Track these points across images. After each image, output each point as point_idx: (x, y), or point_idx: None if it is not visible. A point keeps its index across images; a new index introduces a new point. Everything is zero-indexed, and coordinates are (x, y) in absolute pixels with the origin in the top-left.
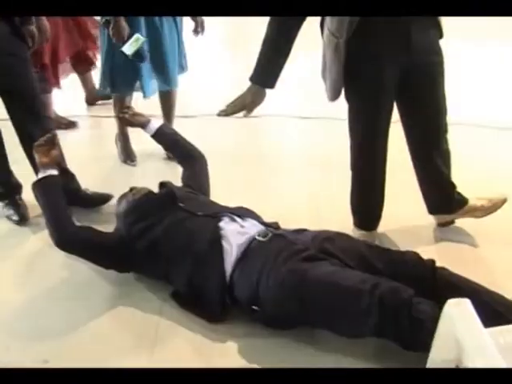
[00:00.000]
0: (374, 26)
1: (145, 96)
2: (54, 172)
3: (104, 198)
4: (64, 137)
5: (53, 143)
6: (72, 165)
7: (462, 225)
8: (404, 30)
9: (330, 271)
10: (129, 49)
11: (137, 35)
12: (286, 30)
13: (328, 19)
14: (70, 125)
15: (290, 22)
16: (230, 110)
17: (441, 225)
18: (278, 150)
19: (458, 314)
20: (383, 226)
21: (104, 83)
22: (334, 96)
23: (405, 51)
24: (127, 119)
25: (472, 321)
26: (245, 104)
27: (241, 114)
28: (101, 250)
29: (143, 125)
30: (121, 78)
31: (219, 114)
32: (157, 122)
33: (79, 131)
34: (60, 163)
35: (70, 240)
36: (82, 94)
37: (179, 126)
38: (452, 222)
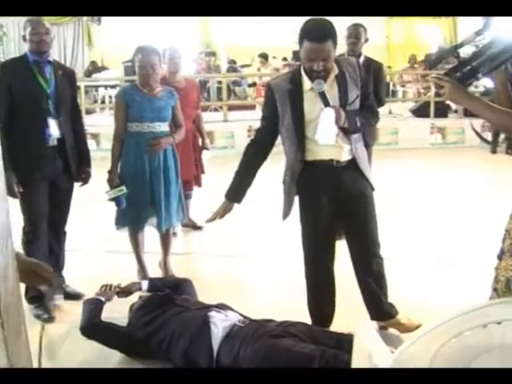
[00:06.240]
0: (311, 171)
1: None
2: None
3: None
4: None
5: (127, 293)
6: None
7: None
8: (335, 175)
9: (291, 344)
10: (109, 194)
11: (122, 187)
12: (253, 161)
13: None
14: (195, 227)
15: (257, 154)
16: (212, 218)
17: (381, 328)
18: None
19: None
20: (337, 325)
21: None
22: (284, 216)
23: (335, 187)
24: (124, 293)
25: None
26: (220, 213)
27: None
28: (117, 338)
29: (137, 289)
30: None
31: (207, 221)
32: (145, 282)
33: None
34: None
35: (93, 329)
36: None
37: None
38: (386, 327)
